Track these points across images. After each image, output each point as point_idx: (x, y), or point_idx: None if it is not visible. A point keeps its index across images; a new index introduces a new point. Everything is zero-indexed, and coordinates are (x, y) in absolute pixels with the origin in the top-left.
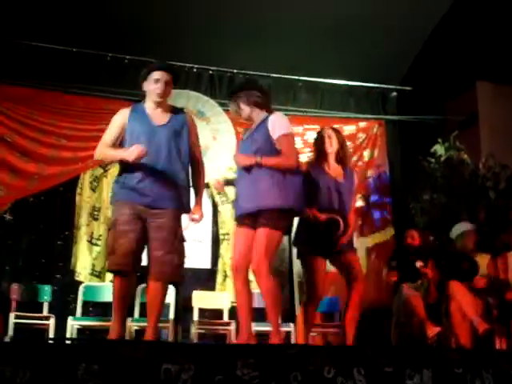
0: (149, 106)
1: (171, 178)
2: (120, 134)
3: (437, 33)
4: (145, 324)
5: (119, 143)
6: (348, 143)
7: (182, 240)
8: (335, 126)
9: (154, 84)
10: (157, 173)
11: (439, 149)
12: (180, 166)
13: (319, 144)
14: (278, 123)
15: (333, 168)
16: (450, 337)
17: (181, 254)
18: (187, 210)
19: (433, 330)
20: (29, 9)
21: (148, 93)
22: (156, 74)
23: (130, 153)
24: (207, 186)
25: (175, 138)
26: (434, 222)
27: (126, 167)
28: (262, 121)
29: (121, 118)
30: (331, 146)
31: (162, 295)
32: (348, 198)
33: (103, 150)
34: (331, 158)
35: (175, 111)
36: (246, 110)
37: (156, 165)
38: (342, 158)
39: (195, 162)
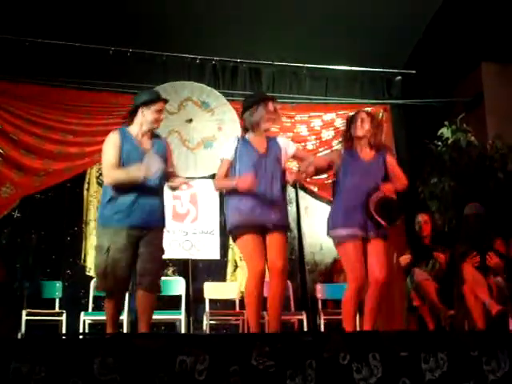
0: (134, 131)
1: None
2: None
3: (440, 15)
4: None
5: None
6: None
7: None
8: (340, 112)
9: (156, 114)
10: (149, 192)
11: (446, 132)
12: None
13: (350, 127)
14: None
15: (364, 152)
16: (463, 320)
17: (163, 266)
18: (163, 226)
19: (446, 314)
20: (31, 5)
21: (143, 120)
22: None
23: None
24: (213, 176)
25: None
26: (444, 205)
27: (120, 189)
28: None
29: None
30: (362, 129)
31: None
32: (378, 178)
33: (115, 172)
34: (363, 142)
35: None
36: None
37: (148, 184)
38: (374, 143)
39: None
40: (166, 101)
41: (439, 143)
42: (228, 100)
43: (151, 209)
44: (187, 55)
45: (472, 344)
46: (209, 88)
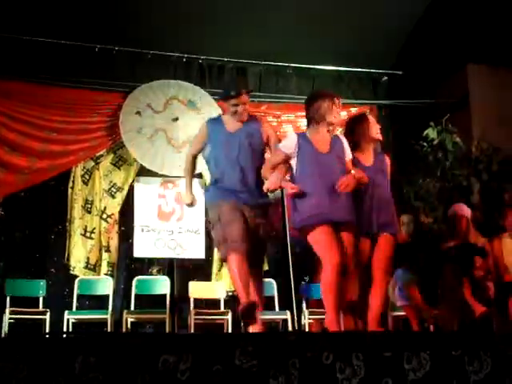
0: (226, 117)
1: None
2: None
3: (427, 16)
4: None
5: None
6: (339, 129)
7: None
8: None
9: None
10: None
11: (431, 132)
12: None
13: (364, 129)
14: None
15: (366, 155)
16: (446, 320)
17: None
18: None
19: (429, 314)
20: (16, 2)
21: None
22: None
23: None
24: (200, 176)
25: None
26: (428, 205)
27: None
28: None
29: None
30: (377, 133)
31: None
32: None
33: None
34: (372, 145)
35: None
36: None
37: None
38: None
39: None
40: (247, 92)
41: (425, 144)
42: (214, 99)
43: (258, 187)
44: (173, 54)
45: (455, 344)
46: (196, 87)
